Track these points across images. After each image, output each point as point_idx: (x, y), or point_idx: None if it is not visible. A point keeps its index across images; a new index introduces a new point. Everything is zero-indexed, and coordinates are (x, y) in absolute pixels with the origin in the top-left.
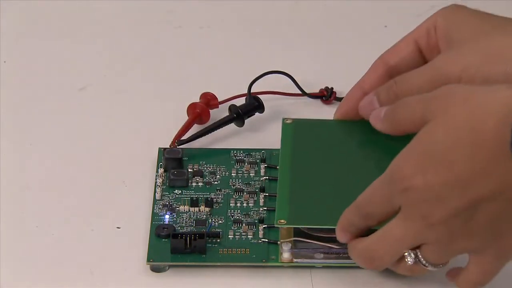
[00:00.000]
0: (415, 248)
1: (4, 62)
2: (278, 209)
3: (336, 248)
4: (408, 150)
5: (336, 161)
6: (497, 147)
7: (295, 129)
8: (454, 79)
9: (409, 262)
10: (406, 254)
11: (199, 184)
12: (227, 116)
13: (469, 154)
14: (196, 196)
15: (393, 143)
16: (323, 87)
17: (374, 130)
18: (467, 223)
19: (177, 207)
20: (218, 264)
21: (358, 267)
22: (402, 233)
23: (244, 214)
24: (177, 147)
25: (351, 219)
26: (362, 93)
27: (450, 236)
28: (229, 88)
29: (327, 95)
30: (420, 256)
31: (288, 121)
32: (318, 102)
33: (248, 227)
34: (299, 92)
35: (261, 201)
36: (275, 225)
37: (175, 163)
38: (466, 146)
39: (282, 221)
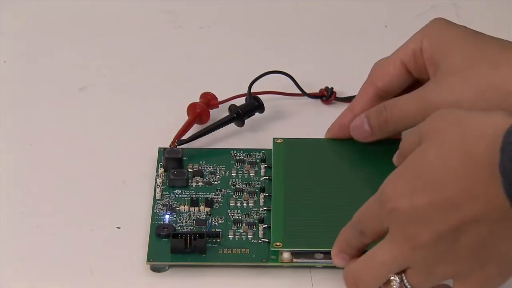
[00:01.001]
0: (400, 272)
1: (4, 62)
2: (273, 232)
3: None
4: (398, 171)
5: (328, 181)
6: (487, 170)
7: (286, 149)
8: None
9: (394, 287)
10: (391, 278)
11: (199, 184)
12: (227, 116)
13: (458, 176)
14: (196, 196)
15: (385, 161)
16: (323, 87)
17: (364, 148)
18: (452, 247)
19: (177, 207)
20: (218, 264)
21: None
22: (387, 256)
23: (244, 214)
24: (177, 147)
25: (348, 237)
26: (353, 116)
27: (435, 259)
28: (229, 88)
29: (327, 95)
30: (405, 280)
31: (279, 141)
32: (318, 102)
33: (248, 227)
34: (299, 92)
35: (261, 201)
36: (272, 249)
37: (175, 163)
38: (456, 168)
39: (278, 244)
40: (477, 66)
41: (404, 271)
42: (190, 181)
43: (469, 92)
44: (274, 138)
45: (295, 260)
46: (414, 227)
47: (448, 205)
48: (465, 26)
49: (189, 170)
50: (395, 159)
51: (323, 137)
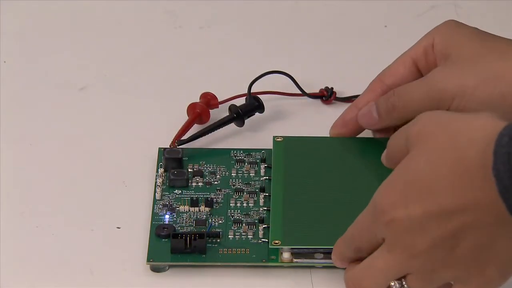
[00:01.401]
0: (401, 278)
1: (4, 62)
2: (272, 230)
3: None
4: (389, 181)
5: (328, 179)
6: (478, 175)
7: (286, 147)
8: (449, 96)
9: None
10: (392, 284)
11: (199, 184)
12: (227, 116)
13: (451, 183)
14: (196, 196)
15: None
16: (323, 87)
17: (364, 147)
18: (451, 252)
19: (177, 207)
20: (218, 264)
21: None
22: (385, 265)
23: (244, 214)
24: (177, 147)
25: (343, 252)
26: (358, 112)
27: (434, 266)
28: (229, 88)
29: (327, 95)
30: (405, 286)
31: (279, 139)
32: (318, 102)
33: (248, 227)
34: (299, 92)
35: (261, 201)
36: (270, 247)
37: (175, 163)
38: (448, 175)
39: (277, 241)
40: (486, 56)
41: (404, 276)
42: (190, 181)
43: (474, 79)
44: (274, 136)
45: (295, 260)
46: (411, 236)
47: (443, 213)
48: (476, 28)
49: (189, 170)
50: (383, 158)
51: (323, 136)
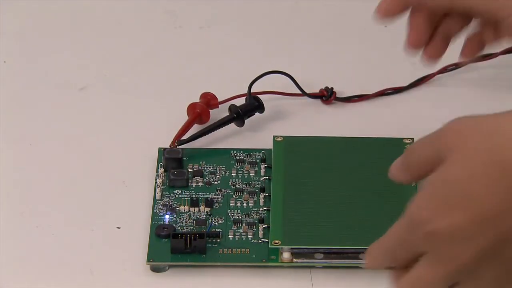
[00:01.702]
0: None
1: (4, 62)
2: (272, 230)
3: (336, 248)
4: (426, 191)
5: (328, 179)
6: None
7: (286, 147)
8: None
9: None
10: None
11: (199, 184)
12: (227, 116)
13: (491, 187)
14: (196, 196)
15: (385, 160)
16: (323, 87)
17: (364, 147)
18: (497, 259)
19: (177, 207)
20: (218, 264)
21: (358, 267)
22: (432, 278)
23: (244, 214)
24: (177, 147)
25: (380, 262)
26: None
27: (481, 273)
28: (229, 88)
29: (327, 95)
30: None
31: (279, 139)
32: (318, 102)
33: (248, 227)
34: (299, 92)
35: (261, 201)
36: (270, 247)
37: (175, 163)
38: (487, 179)
39: (277, 241)
40: None
41: (453, 285)
42: (190, 181)
43: None
44: (274, 136)
45: (295, 260)
46: (455, 247)
47: (486, 219)
48: None
49: (189, 170)
50: (397, 170)
51: (323, 136)
